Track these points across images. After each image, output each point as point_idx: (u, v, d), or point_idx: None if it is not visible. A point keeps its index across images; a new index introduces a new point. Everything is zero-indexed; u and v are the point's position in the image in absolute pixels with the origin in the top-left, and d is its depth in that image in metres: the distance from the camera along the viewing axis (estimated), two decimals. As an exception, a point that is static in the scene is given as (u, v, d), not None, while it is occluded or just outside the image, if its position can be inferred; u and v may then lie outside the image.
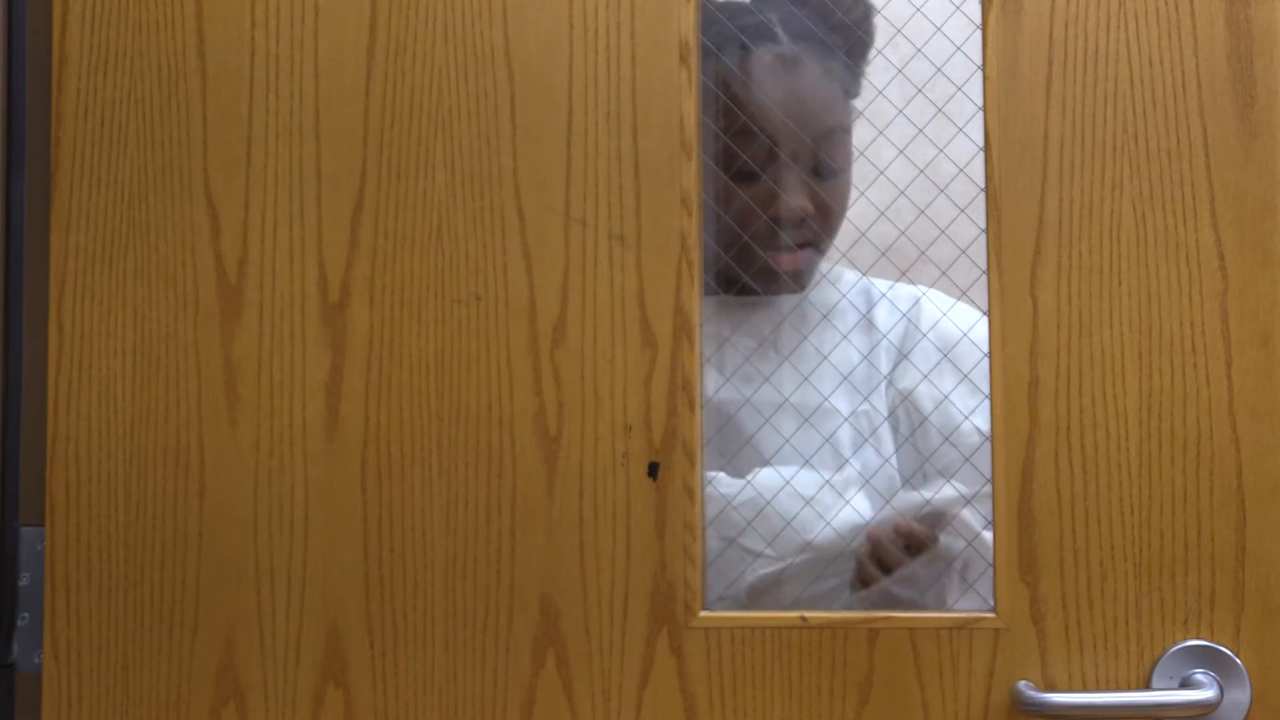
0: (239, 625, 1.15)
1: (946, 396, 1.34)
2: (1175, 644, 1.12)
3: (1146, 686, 1.12)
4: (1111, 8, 1.15)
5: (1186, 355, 1.13)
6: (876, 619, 1.13)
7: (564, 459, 1.15)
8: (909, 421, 1.37)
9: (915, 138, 1.32)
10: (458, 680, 1.14)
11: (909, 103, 1.34)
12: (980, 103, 1.16)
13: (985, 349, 1.15)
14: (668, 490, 1.14)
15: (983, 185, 1.15)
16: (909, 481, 1.36)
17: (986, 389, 1.15)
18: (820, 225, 1.37)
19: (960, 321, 1.37)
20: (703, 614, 1.14)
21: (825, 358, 1.36)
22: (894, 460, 1.34)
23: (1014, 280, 1.14)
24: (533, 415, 1.15)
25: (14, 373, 1.19)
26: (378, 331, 1.16)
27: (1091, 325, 1.13)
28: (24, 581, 1.18)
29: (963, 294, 1.32)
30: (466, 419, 1.15)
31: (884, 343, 1.40)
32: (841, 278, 1.44)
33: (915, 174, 1.37)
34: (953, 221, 1.39)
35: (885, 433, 1.37)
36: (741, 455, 1.33)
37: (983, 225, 1.16)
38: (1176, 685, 1.11)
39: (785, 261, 1.36)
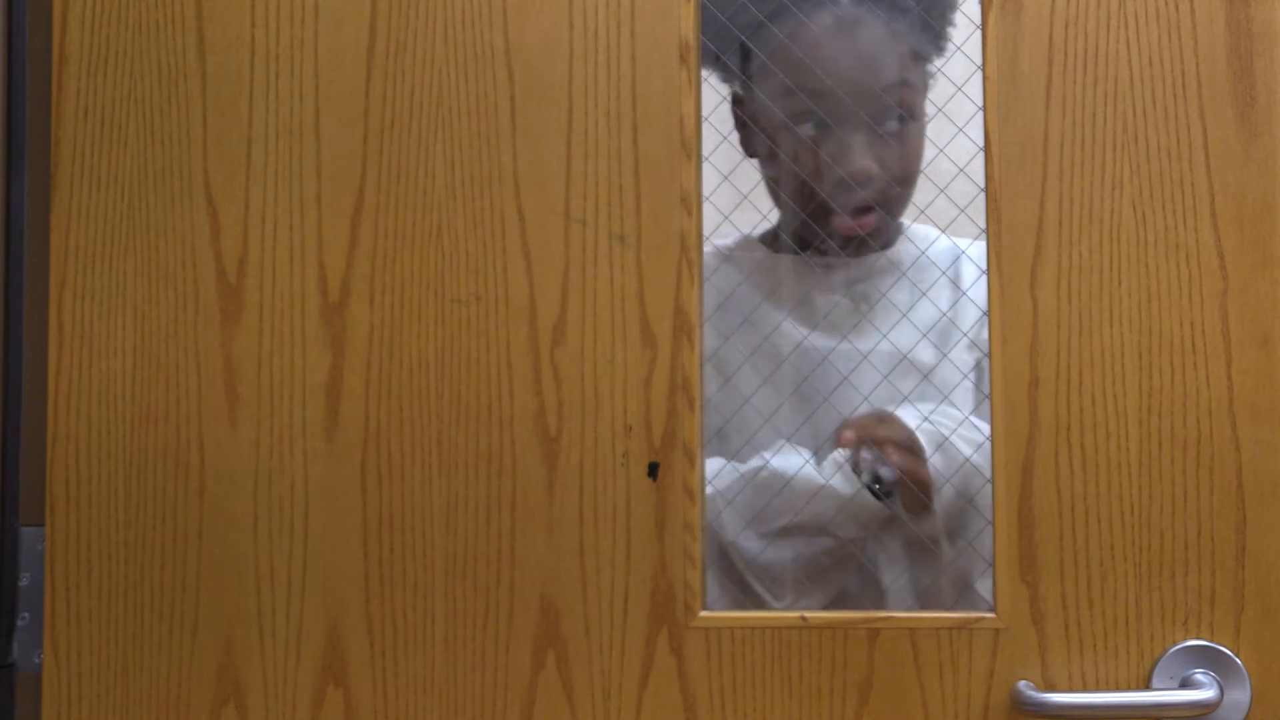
0: (239, 625, 1.15)
1: None
2: (1175, 644, 1.12)
3: (1146, 686, 1.12)
4: (1111, 8, 1.15)
5: (1186, 355, 1.13)
6: (876, 619, 1.13)
7: (564, 459, 1.15)
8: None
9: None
10: (458, 680, 1.14)
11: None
12: (980, 103, 1.16)
13: None
14: (668, 490, 1.14)
15: (983, 185, 1.15)
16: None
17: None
18: (887, 187, 1.35)
19: None
20: (703, 614, 1.14)
21: (905, 315, 1.35)
22: (973, 417, 1.33)
23: (1014, 280, 1.14)
24: (533, 415, 1.15)
25: (14, 373, 1.19)
26: (378, 331, 1.16)
27: (1091, 325, 1.13)
28: (24, 581, 1.18)
29: (961, 211, 1.30)
30: (466, 419, 1.15)
31: (964, 300, 1.39)
32: (922, 235, 1.43)
33: (915, 174, 1.37)
34: (953, 221, 1.39)
35: (967, 388, 1.36)
36: (823, 408, 1.32)
37: (983, 225, 1.16)
38: (1176, 685, 1.11)
39: (852, 226, 1.35)
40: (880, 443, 1.28)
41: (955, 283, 1.40)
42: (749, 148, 1.40)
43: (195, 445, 1.16)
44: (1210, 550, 1.12)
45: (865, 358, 1.33)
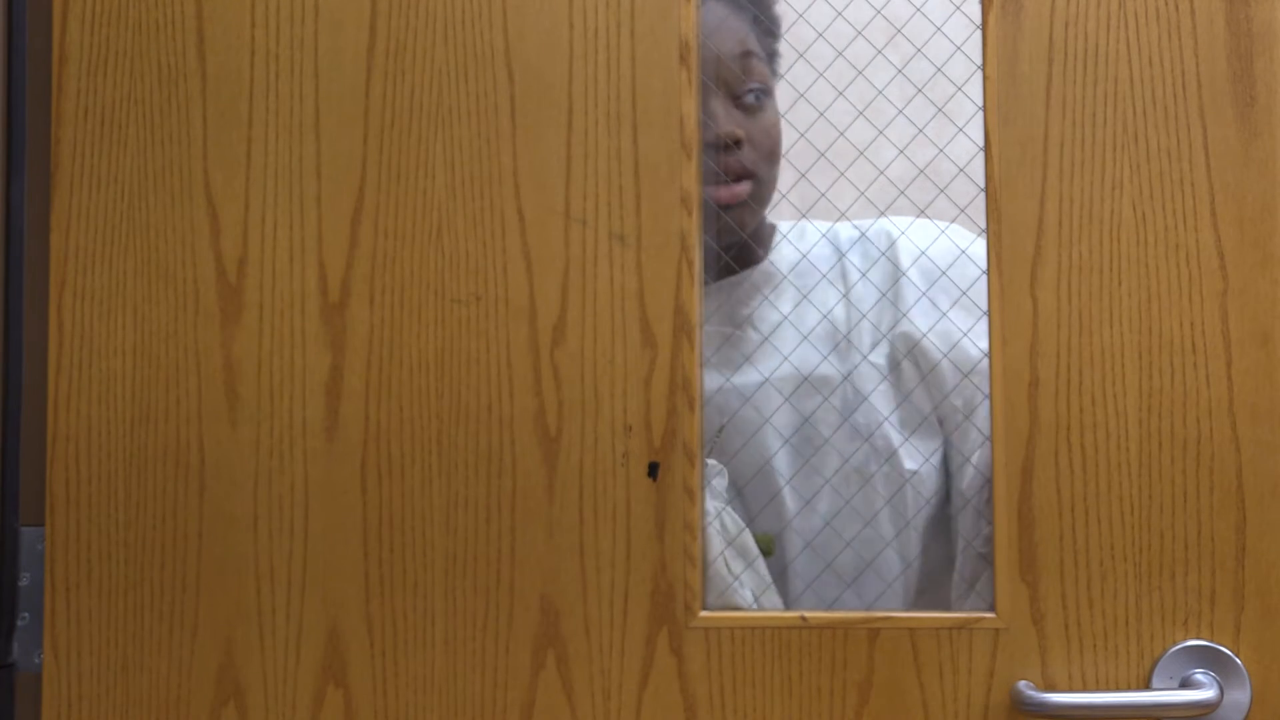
0: (239, 625, 1.15)
1: (966, 334, 1.31)
2: (1175, 644, 1.12)
3: (1146, 686, 1.12)
4: (1111, 8, 1.15)
5: (1186, 355, 1.13)
6: (876, 619, 1.13)
7: (564, 459, 1.15)
8: (917, 369, 1.35)
9: (915, 138, 1.32)
10: (458, 680, 1.14)
11: (909, 103, 1.34)
12: (980, 103, 1.16)
13: (982, 267, 1.14)
14: (668, 490, 1.14)
15: (983, 185, 1.15)
16: (916, 432, 1.33)
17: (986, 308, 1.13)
18: (754, 158, 1.34)
19: (945, 247, 1.34)
20: (703, 614, 1.14)
21: (805, 332, 1.34)
22: (893, 419, 1.33)
23: (1014, 280, 1.14)
24: (533, 415, 1.15)
25: (14, 373, 1.19)
26: (378, 331, 1.16)
27: (1091, 325, 1.13)
28: (24, 581, 1.18)
29: (961, 211, 1.30)
30: (466, 419, 1.15)
31: (866, 291, 1.38)
32: (805, 233, 1.42)
33: (915, 174, 1.37)
34: (953, 221, 1.39)
35: (884, 390, 1.35)
36: (744, 450, 1.33)
37: (983, 225, 1.16)
38: (1176, 685, 1.11)
39: (724, 195, 1.33)
40: None
41: (846, 274, 1.38)
42: None
43: (195, 445, 1.16)
44: (1210, 550, 1.12)
45: (758, 387, 1.31)
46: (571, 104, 1.16)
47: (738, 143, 1.32)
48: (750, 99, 1.33)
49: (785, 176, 1.41)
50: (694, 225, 1.16)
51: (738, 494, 1.31)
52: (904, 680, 1.13)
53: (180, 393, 1.16)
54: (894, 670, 1.13)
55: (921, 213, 1.40)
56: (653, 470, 1.14)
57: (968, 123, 1.24)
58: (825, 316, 1.35)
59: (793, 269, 1.38)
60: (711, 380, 1.32)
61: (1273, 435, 1.12)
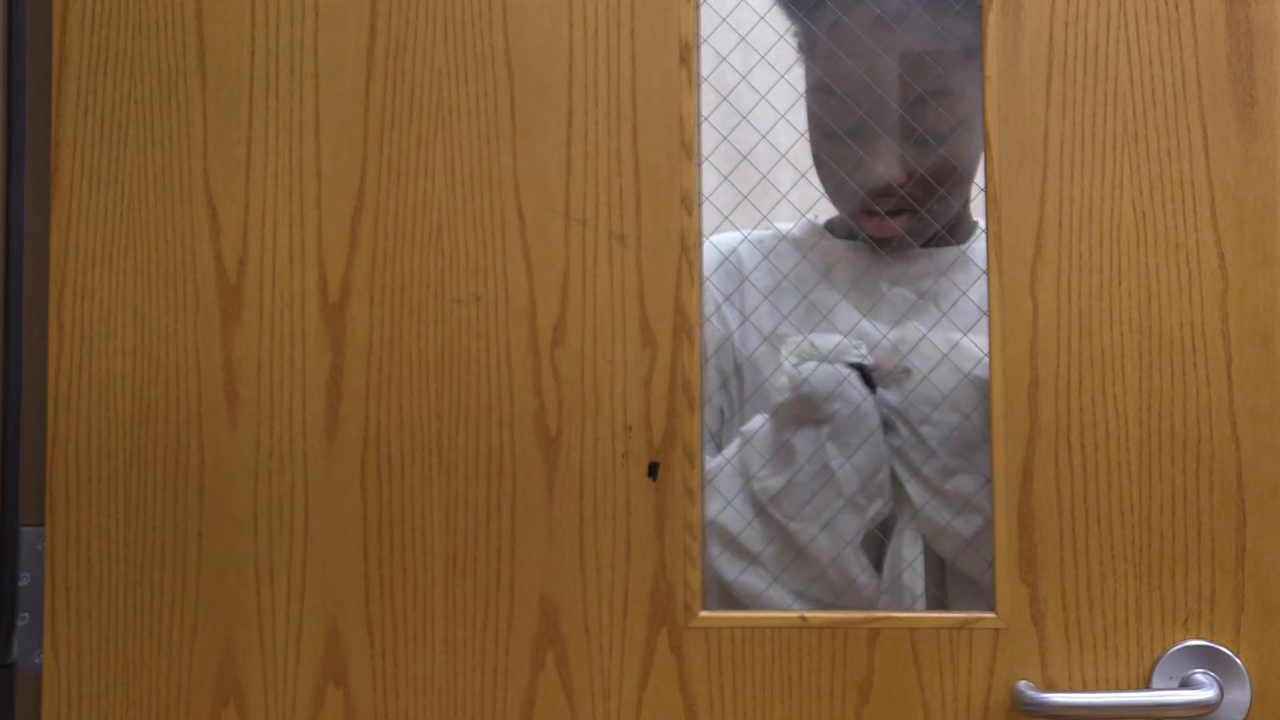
0: (239, 625, 1.15)
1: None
2: (1175, 644, 1.12)
3: (1146, 686, 1.12)
4: (1111, 8, 1.15)
5: (1186, 355, 1.13)
6: (876, 619, 1.13)
7: (564, 459, 1.15)
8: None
9: (915, 138, 1.32)
10: (458, 680, 1.14)
11: (909, 103, 1.33)
12: (980, 103, 1.16)
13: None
14: (668, 490, 1.14)
15: (983, 185, 1.15)
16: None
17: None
18: (917, 197, 1.31)
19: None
20: (703, 614, 1.14)
21: (983, 313, 1.32)
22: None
23: (1014, 280, 1.14)
24: (533, 415, 1.15)
25: (14, 373, 1.19)
26: (378, 331, 1.16)
27: (1091, 325, 1.13)
28: (24, 581, 1.18)
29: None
30: (466, 419, 1.15)
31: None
32: None
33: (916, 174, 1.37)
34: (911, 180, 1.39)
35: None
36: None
37: (983, 225, 1.16)
38: (1176, 685, 1.11)
39: (871, 226, 1.32)
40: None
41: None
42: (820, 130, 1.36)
43: (195, 445, 1.16)
44: (1210, 550, 1.12)
45: (946, 355, 1.29)
46: (571, 104, 1.16)
47: (898, 183, 1.30)
48: (935, 130, 1.29)
49: (785, 177, 1.41)
50: (694, 225, 1.16)
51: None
52: (904, 680, 1.13)
53: (180, 393, 1.16)
54: (894, 670, 1.13)
55: (921, 213, 1.40)
56: (653, 470, 1.14)
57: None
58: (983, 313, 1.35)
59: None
60: (904, 332, 1.31)
61: (1273, 435, 1.12)
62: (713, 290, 1.38)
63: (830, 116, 1.31)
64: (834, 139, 1.31)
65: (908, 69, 1.29)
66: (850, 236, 1.38)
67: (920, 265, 1.36)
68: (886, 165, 1.30)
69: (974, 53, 1.29)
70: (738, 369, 1.38)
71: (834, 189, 1.34)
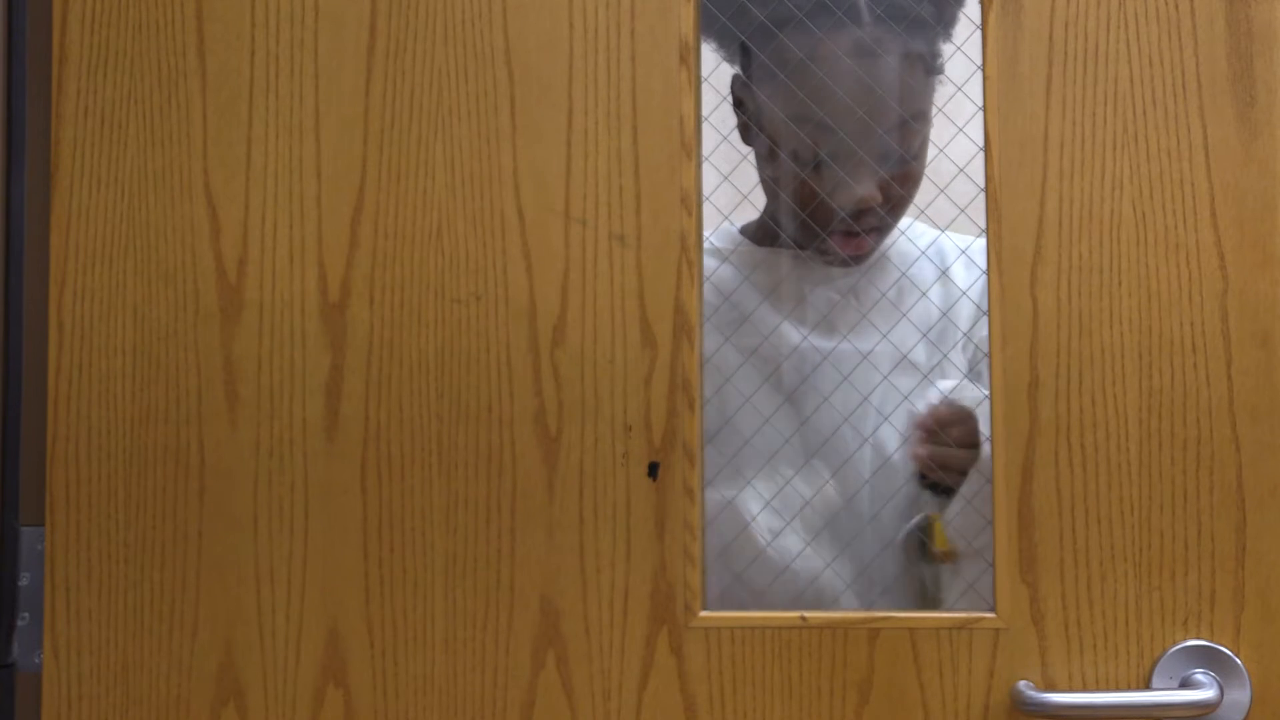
0: (239, 625, 1.15)
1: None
2: (1175, 644, 1.12)
3: (1146, 686, 1.12)
4: (1111, 8, 1.15)
5: (1186, 355, 1.13)
6: (876, 619, 1.13)
7: (564, 459, 1.15)
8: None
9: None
10: (458, 680, 1.14)
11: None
12: (980, 103, 1.16)
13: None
14: (668, 490, 1.14)
15: (983, 185, 1.15)
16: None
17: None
18: (889, 211, 1.34)
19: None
20: (703, 614, 1.14)
21: (904, 314, 1.35)
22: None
23: (1014, 280, 1.14)
24: (533, 415, 1.15)
25: (14, 373, 1.19)
26: (378, 331, 1.16)
27: (1091, 325, 1.13)
28: (24, 581, 1.18)
29: (961, 211, 1.29)
30: (466, 419, 1.15)
31: (962, 299, 1.39)
32: (921, 234, 1.42)
33: (915, 174, 1.37)
34: (953, 221, 1.39)
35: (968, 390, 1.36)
36: (819, 411, 1.33)
37: (983, 225, 1.16)
38: (1176, 685, 1.11)
39: (849, 245, 1.34)
40: (948, 443, 1.28)
41: (949, 280, 1.40)
42: (746, 138, 1.39)
43: (195, 445, 1.16)
44: (1210, 550, 1.12)
45: (865, 358, 1.33)
46: (571, 104, 1.16)
47: (876, 204, 1.33)
48: (905, 153, 1.33)
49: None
50: (694, 225, 1.16)
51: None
52: (904, 680, 1.13)
53: (180, 393, 1.16)
54: (894, 670, 1.13)
55: (922, 213, 1.40)
56: (653, 470, 1.14)
57: (968, 123, 1.24)
58: (943, 311, 1.38)
59: (913, 263, 1.38)
60: (809, 340, 1.33)
61: (1273, 435, 1.12)
62: None
63: (813, 143, 1.32)
64: (818, 166, 1.32)
65: (888, 92, 1.31)
66: (781, 243, 1.39)
67: (844, 269, 1.38)
68: (868, 187, 1.32)
69: (933, 70, 1.32)
70: None
71: (798, 202, 1.34)
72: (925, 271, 1.39)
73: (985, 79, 1.15)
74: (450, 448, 1.15)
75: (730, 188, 1.37)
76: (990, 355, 1.14)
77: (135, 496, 1.16)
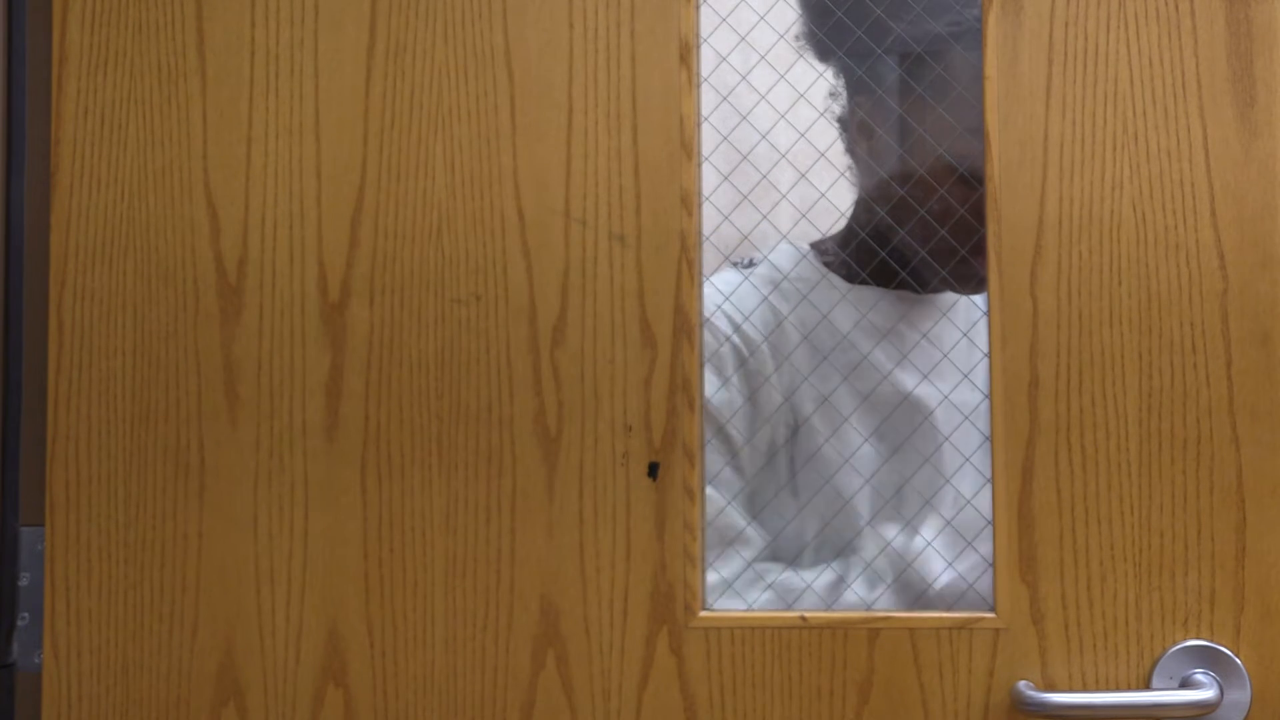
0: (239, 625, 1.15)
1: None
2: (1175, 644, 1.12)
3: (1146, 686, 1.12)
4: (1111, 8, 1.15)
5: (1186, 355, 1.13)
6: (876, 619, 1.13)
7: (564, 459, 1.15)
8: None
9: (915, 138, 1.32)
10: (458, 680, 1.14)
11: (909, 103, 1.34)
12: (980, 103, 1.16)
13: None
14: (668, 490, 1.14)
15: (983, 185, 1.15)
16: None
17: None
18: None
19: None
20: (703, 614, 1.14)
21: (981, 358, 1.33)
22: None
23: (1014, 280, 1.14)
24: (533, 415, 1.15)
25: (14, 373, 1.19)
26: (378, 331, 1.16)
27: (1091, 325, 1.13)
28: (24, 581, 1.18)
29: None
30: (466, 419, 1.15)
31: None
32: None
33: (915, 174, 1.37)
34: (953, 221, 1.39)
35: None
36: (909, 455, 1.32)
37: (983, 225, 1.16)
38: (1176, 685, 1.11)
39: (978, 267, 1.32)
40: None
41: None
42: (864, 152, 1.35)
43: (195, 445, 1.16)
44: (1210, 550, 1.12)
45: (945, 398, 1.31)
46: (571, 104, 1.16)
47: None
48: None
49: (784, 178, 1.41)
50: (694, 225, 1.16)
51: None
52: (904, 680, 1.13)
53: (180, 393, 1.16)
54: (894, 670, 1.13)
55: (922, 213, 1.40)
56: (653, 470, 1.14)
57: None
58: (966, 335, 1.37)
59: (953, 305, 1.37)
60: (904, 379, 1.32)
61: (1273, 435, 1.12)
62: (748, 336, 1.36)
63: (975, 160, 1.28)
64: (972, 186, 1.29)
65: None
66: (856, 275, 1.37)
67: (923, 308, 1.37)
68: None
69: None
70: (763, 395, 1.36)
71: (952, 230, 1.31)
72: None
73: (985, 79, 1.15)
74: (450, 448, 1.15)
75: (730, 188, 1.37)
76: (990, 355, 1.14)
77: (135, 496, 1.16)
